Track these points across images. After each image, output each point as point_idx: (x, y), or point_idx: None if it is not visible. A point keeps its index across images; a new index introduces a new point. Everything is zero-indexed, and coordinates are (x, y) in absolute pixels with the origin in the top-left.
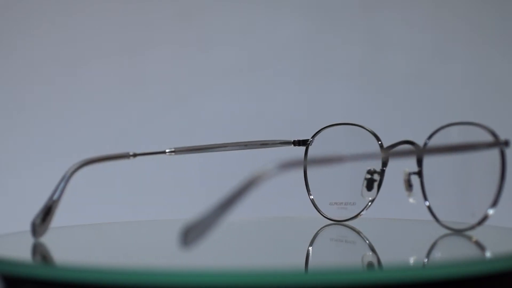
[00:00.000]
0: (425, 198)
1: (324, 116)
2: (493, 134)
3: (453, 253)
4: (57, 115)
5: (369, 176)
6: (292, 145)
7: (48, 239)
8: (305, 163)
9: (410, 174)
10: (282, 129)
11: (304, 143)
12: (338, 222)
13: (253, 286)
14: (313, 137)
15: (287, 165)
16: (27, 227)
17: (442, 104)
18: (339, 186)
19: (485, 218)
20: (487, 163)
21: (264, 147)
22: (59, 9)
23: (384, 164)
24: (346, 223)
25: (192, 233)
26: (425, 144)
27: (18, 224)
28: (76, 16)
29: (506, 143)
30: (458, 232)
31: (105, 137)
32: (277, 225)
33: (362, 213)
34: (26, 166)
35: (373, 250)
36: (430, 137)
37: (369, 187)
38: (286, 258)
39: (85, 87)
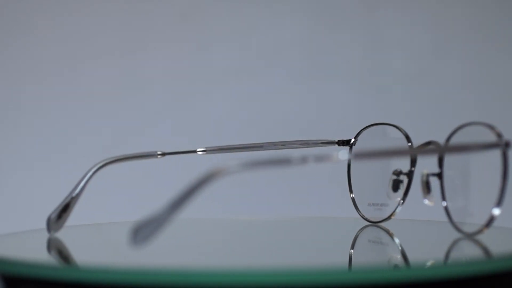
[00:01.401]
0: (444, 199)
1: (325, 116)
2: (498, 134)
3: (456, 254)
4: (53, 115)
5: (395, 177)
6: (336, 145)
7: (52, 238)
8: (349, 161)
9: (428, 175)
10: (283, 129)
11: (347, 143)
12: (372, 223)
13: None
14: (355, 137)
15: (249, 164)
16: (29, 226)
17: (443, 104)
18: (378, 187)
19: (491, 219)
20: (494, 163)
21: (304, 147)
22: (59, 9)
23: (413, 164)
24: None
25: (142, 231)
26: (446, 144)
27: (18, 223)
28: (76, 16)
29: (507, 144)
30: (470, 236)
31: (106, 137)
32: (310, 225)
33: (394, 214)
34: (25, 166)
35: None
36: (449, 137)
37: (395, 188)
38: (329, 259)
39: (82, 87)
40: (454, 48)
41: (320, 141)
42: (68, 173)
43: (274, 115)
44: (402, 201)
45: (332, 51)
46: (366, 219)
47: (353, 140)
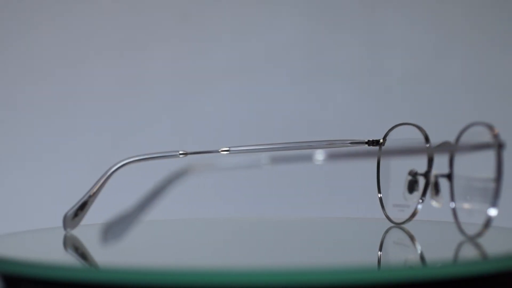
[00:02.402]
0: (452, 200)
1: (325, 116)
2: (494, 135)
3: (456, 255)
4: (53, 115)
5: (410, 177)
6: (366, 145)
7: (54, 238)
8: (378, 161)
9: (437, 176)
10: (283, 130)
11: (376, 143)
12: (396, 224)
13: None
14: (384, 137)
15: (218, 165)
16: (28, 226)
17: (444, 104)
18: (403, 188)
19: (489, 220)
20: (493, 164)
21: (331, 147)
22: (59, 9)
23: (430, 164)
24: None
25: (113, 230)
26: (456, 144)
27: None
28: (76, 16)
29: (500, 145)
30: (470, 237)
31: (106, 137)
32: (314, 226)
33: (415, 214)
34: (23, 167)
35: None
36: (458, 137)
37: (412, 189)
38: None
39: (81, 87)
40: (454, 48)
41: (349, 141)
42: (67, 174)
43: (274, 115)
44: (421, 201)
45: (332, 51)
46: (390, 220)
47: (381, 140)
